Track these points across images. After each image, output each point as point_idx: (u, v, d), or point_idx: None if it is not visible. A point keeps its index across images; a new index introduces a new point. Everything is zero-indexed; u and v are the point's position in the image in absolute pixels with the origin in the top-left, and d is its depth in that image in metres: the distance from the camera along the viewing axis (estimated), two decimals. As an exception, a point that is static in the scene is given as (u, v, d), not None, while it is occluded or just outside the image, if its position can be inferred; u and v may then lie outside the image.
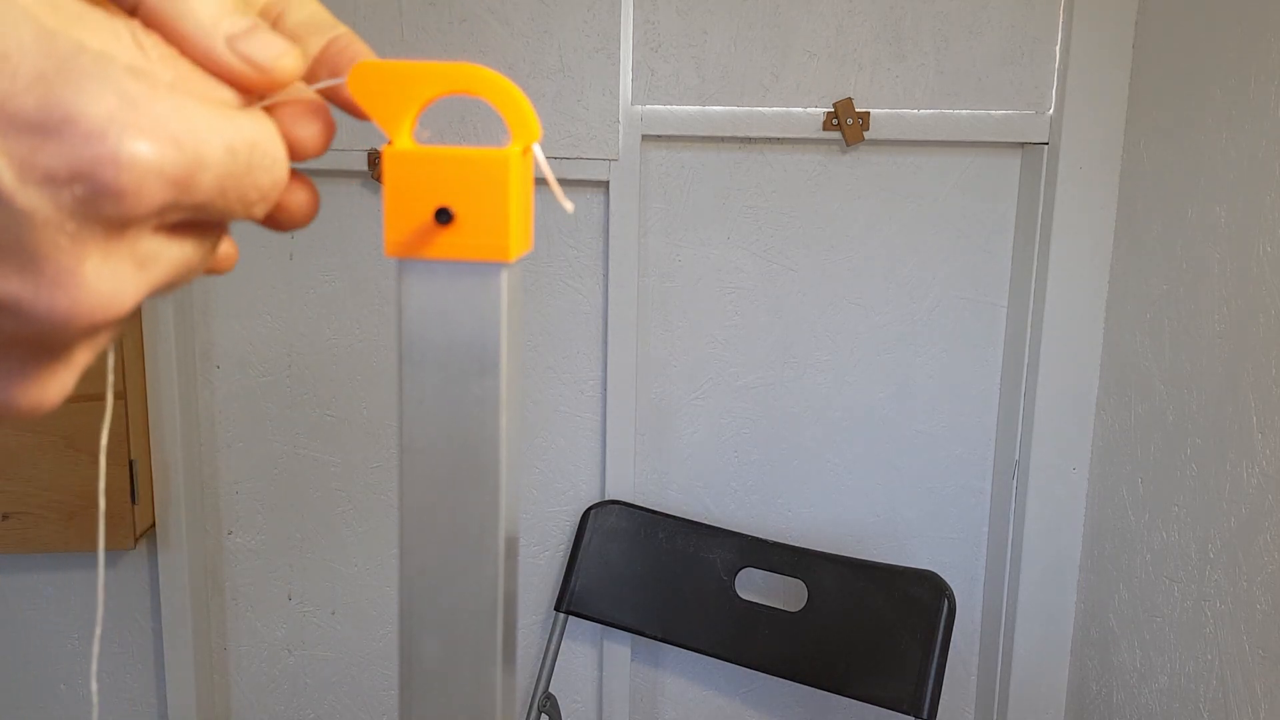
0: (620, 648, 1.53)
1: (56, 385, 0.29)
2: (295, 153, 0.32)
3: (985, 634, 1.54)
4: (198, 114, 0.26)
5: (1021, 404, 1.43)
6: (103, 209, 0.25)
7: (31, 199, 0.24)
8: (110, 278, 0.26)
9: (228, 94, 0.30)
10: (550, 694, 1.45)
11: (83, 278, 0.25)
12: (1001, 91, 1.37)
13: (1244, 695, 1.08)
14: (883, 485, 1.51)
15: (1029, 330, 1.41)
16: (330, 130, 0.33)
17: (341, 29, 0.35)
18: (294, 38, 0.33)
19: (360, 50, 0.34)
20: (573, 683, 1.57)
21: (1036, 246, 1.39)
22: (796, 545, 1.40)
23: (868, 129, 1.37)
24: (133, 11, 0.28)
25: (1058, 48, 1.35)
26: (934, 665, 1.28)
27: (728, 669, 1.53)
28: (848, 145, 1.40)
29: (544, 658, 1.45)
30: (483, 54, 1.36)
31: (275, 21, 0.33)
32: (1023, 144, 1.41)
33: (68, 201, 0.24)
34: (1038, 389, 1.40)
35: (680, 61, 1.37)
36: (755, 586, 1.44)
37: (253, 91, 0.31)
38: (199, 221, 0.29)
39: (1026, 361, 1.42)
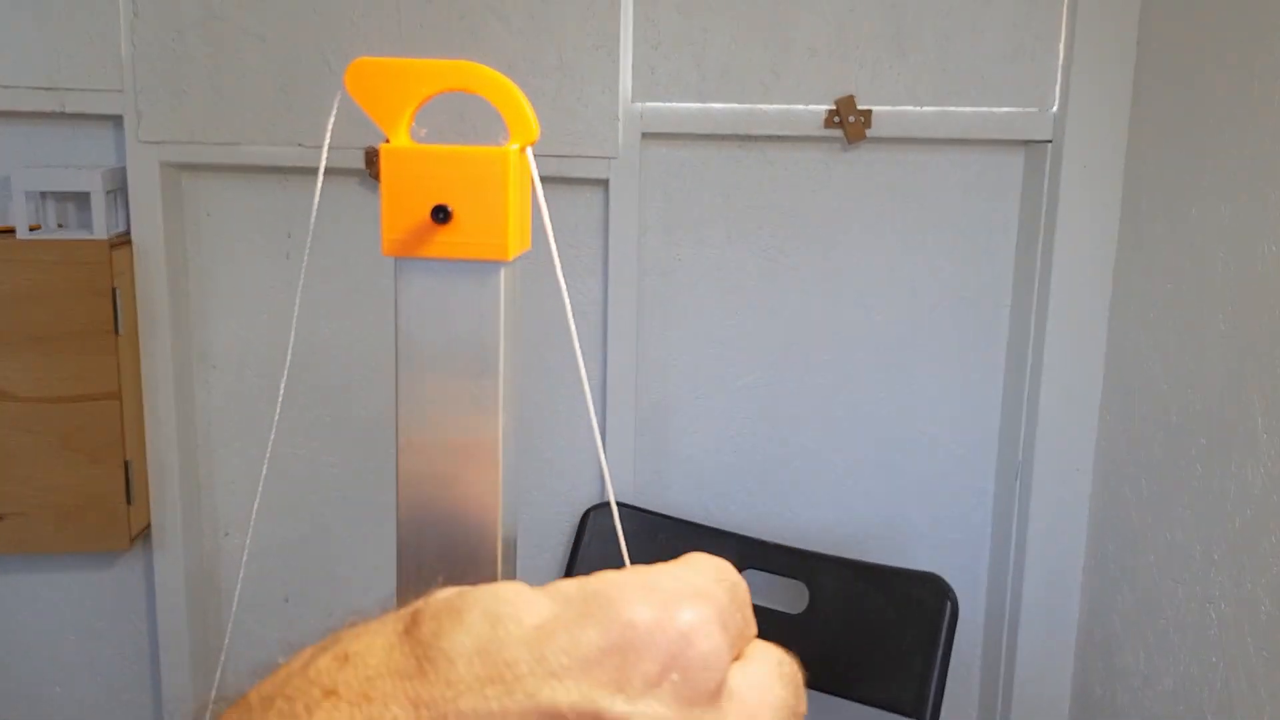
0: (620, 649, 1.52)
1: None
2: None
3: (988, 636, 1.53)
4: (679, 570, 0.31)
5: (1025, 404, 1.42)
6: (700, 681, 0.27)
7: (645, 709, 0.26)
8: None
9: None
10: (549, 696, 1.44)
11: None
12: (1004, 89, 1.36)
13: (1249, 698, 1.07)
14: (884, 486, 1.50)
15: (1032, 330, 1.40)
16: None
17: None
18: None
19: None
20: (572, 685, 1.55)
21: (1040, 245, 1.38)
22: (797, 547, 1.39)
23: (869, 127, 1.37)
24: None
25: (1061, 45, 1.35)
26: (936, 668, 1.27)
27: (728, 671, 1.52)
28: (849, 143, 1.39)
29: (543, 660, 1.44)
30: (481, 51, 1.35)
31: None
32: (1026, 142, 1.40)
33: (671, 693, 0.27)
34: (1041, 389, 1.39)
35: (680, 59, 1.37)
36: (756, 588, 1.43)
37: None
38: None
39: (1030, 362, 1.41)
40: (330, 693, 0.27)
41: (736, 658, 0.29)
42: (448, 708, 0.25)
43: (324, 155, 0.38)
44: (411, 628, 0.27)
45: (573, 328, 0.40)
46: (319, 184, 0.42)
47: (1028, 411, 1.42)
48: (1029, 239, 1.41)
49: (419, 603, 0.28)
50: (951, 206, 1.43)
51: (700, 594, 0.29)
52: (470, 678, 0.26)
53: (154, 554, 1.49)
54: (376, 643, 0.27)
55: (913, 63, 1.36)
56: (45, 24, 1.36)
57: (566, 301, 0.41)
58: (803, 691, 0.30)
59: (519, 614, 0.27)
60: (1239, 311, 1.11)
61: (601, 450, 0.48)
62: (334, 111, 0.38)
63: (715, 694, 0.27)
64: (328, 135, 0.37)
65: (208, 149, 1.39)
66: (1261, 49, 1.09)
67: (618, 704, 0.26)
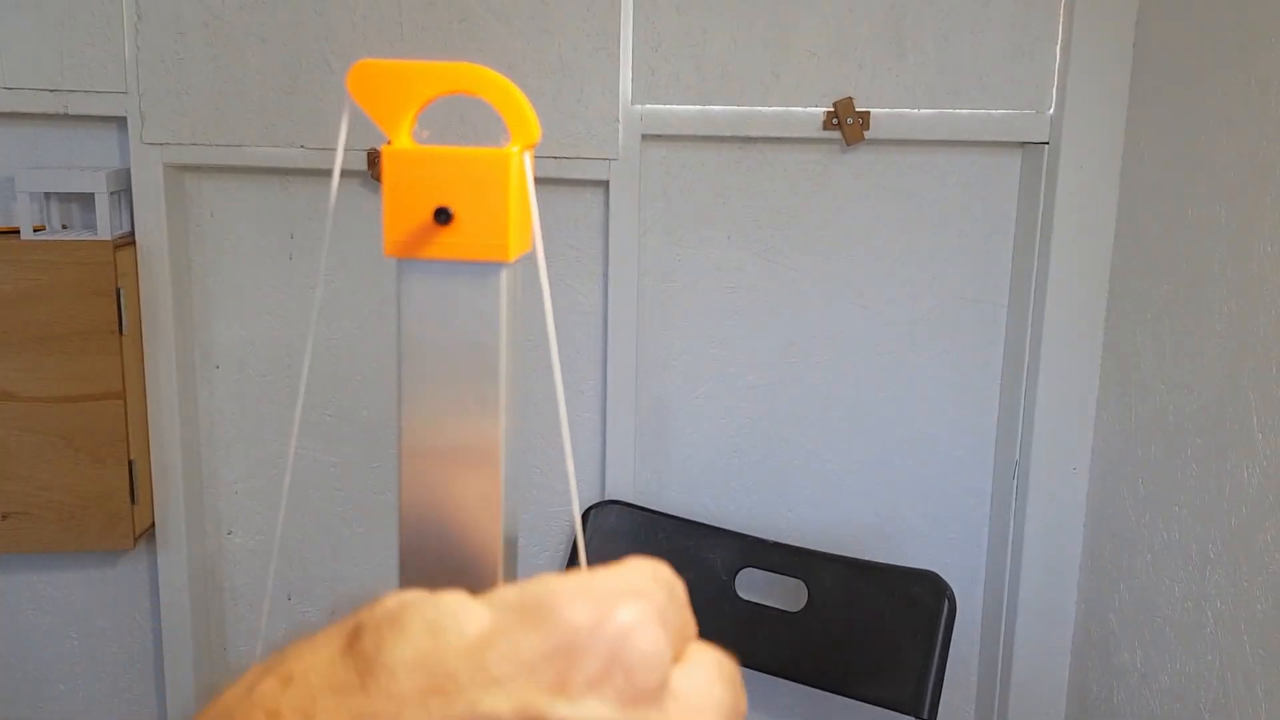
0: (620, 648, 1.52)
1: None
2: None
3: (985, 634, 1.54)
4: (616, 572, 0.30)
5: (1022, 404, 1.43)
6: (642, 679, 0.27)
7: (588, 711, 0.26)
8: None
9: None
10: (550, 694, 1.45)
11: None
12: (1002, 91, 1.37)
13: (1244, 695, 1.08)
14: (883, 485, 1.51)
15: (1029, 330, 1.41)
16: None
17: None
18: None
19: None
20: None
21: (1037, 246, 1.39)
22: (797, 545, 1.40)
23: (868, 128, 1.37)
24: None
25: (1058, 47, 1.35)
26: (934, 665, 1.28)
27: (728, 669, 1.53)
28: (848, 145, 1.40)
29: (544, 658, 1.45)
30: (482, 53, 1.36)
31: None
32: (1023, 144, 1.41)
33: (614, 693, 0.26)
34: (1038, 389, 1.40)
35: (680, 61, 1.37)
36: (755, 586, 1.44)
37: None
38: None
39: (1027, 362, 1.42)
40: (274, 715, 0.27)
41: (677, 658, 0.29)
42: None
43: (339, 160, 0.39)
44: (353, 642, 0.27)
45: (551, 330, 0.41)
46: (334, 187, 0.42)
47: (1025, 411, 1.43)
48: (1026, 240, 1.42)
49: (361, 614, 0.28)
50: (949, 208, 1.44)
51: (638, 593, 0.28)
52: (412, 690, 0.26)
53: (158, 553, 1.49)
54: (319, 660, 0.27)
55: (911, 65, 1.36)
56: (49, 27, 1.37)
57: (547, 301, 0.42)
58: (743, 691, 0.30)
59: (460, 624, 0.27)
60: (1235, 312, 1.12)
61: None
62: (344, 124, 0.38)
63: (657, 692, 0.27)
64: (341, 142, 0.38)
65: (210, 150, 1.39)
66: (1258, 51, 1.09)
67: (559, 707, 0.26)
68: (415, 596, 0.28)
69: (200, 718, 0.28)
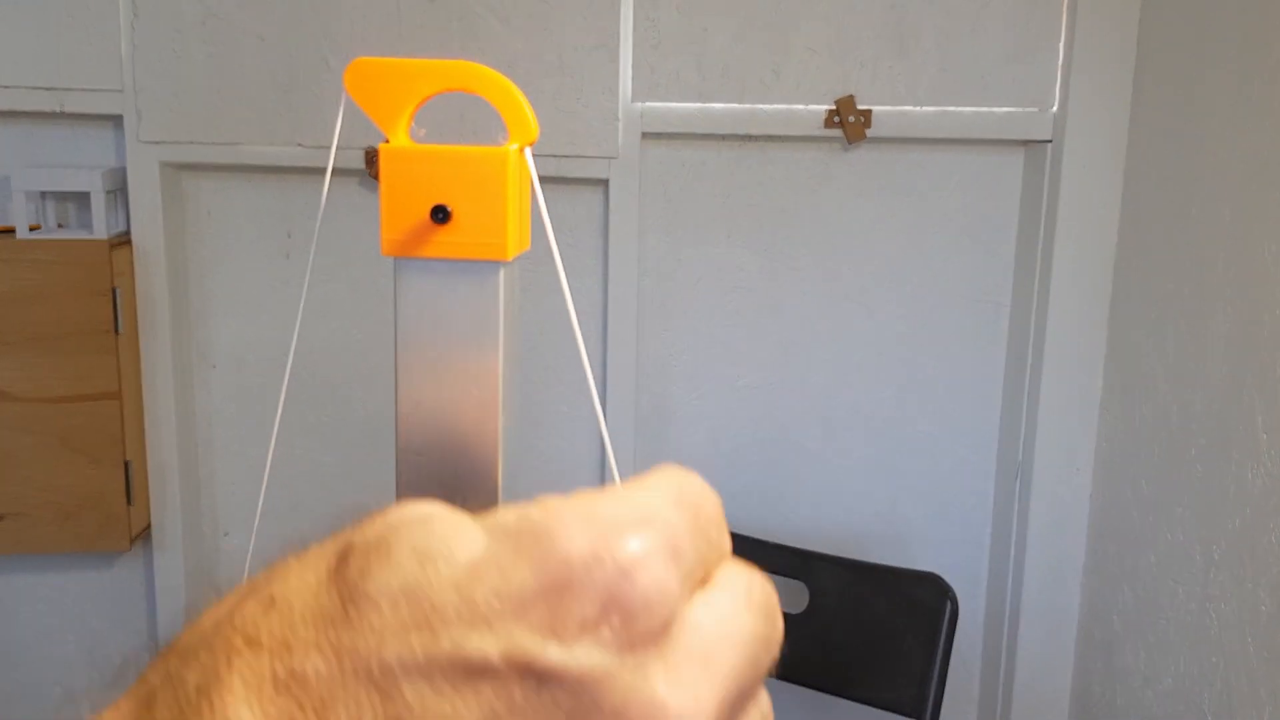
0: (620, 649, 1.52)
1: None
2: None
3: (988, 636, 1.54)
4: (631, 494, 0.27)
5: (1025, 404, 1.42)
6: (643, 621, 0.24)
7: (582, 656, 0.23)
8: (685, 686, 0.25)
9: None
10: (549, 696, 1.44)
11: (664, 703, 0.24)
12: (1005, 89, 1.36)
13: (1248, 697, 1.08)
14: (884, 486, 1.50)
15: (1032, 330, 1.40)
16: None
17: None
18: None
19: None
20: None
21: (1040, 245, 1.38)
22: (797, 547, 1.39)
23: (869, 127, 1.37)
24: None
25: (1061, 45, 1.35)
26: (936, 667, 1.27)
27: (728, 671, 1.52)
28: (849, 143, 1.39)
29: (543, 660, 1.44)
30: (481, 51, 1.35)
31: None
32: (1026, 142, 1.40)
33: (611, 637, 0.24)
34: (1041, 390, 1.39)
35: (680, 59, 1.37)
36: (756, 588, 1.43)
37: None
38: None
39: (1030, 362, 1.41)
40: (253, 642, 0.24)
41: (705, 581, 0.26)
42: (371, 657, 0.23)
43: (331, 158, 0.39)
44: (340, 566, 0.25)
45: (578, 331, 0.40)
46: (326, 187, 0.42)
47: (1028, 411, 1.42)
48: (1029, 239, 1.41)
49: (353, 534, 0.26)
50: (951, 206, 1.43)
51: (648, 520, 0.25)
52: (396, 623, 0.23)
53: (154, 554, 1.49)
54: (305, 583, 0.25)
55: (913, 63, 1.36)
56: (45, 24, 1.36)
57: (571, 308, 0.41)
58: (778, 617, 0.27)
59: (451, 550, 0.24)
60: (1239, 311, 1.11)
61: (609, 446, 0.48)
62: (339, 120, 0.38)
63: (660, 634, 0.24)
64: (335, 140, 0.37)
65: (207, 149, 1.39)
66: (1261, 50, 1.09)
67: (550, 651, 0.23)
68: (406, 517, 0.26)
69: (180, 639, 0.26)
